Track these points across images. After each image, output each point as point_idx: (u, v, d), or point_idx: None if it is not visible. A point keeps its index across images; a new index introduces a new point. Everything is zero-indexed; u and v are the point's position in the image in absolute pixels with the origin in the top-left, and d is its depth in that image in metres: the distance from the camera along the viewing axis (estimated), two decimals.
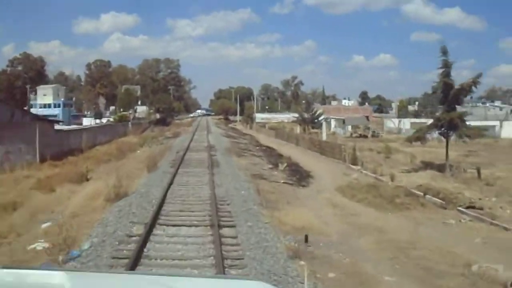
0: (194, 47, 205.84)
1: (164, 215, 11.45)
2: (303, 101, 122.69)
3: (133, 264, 7.70)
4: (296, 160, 30.12)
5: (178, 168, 19.88)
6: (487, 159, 31.38)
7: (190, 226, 10.48)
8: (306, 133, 55.40)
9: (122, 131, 54.28)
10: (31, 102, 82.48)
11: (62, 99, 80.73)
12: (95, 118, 73.87)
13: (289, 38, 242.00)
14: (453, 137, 27.12)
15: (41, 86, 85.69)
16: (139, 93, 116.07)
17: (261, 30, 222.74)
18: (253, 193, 15.20)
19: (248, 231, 10.21)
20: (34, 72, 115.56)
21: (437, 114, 29.42)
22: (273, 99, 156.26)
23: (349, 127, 60.41)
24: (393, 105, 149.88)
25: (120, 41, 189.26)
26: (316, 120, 62.95)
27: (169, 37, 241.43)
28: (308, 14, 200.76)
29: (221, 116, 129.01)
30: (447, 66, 26.43)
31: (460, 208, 17.21)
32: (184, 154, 26.39)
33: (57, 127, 32.85)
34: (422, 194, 19.19)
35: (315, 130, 60.66)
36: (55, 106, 77.75)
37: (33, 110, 77.58)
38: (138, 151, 35.76)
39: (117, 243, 9.31)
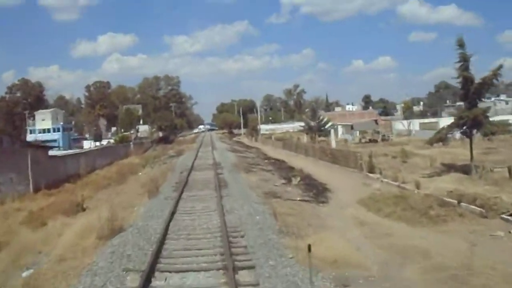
0: (192, 63, 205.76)
1: (165, 256, 9.38)
2: (306, 110, 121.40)
3: None
4: (309, 172, 28.07)
5: (182, 192, 17.74)
6: (509, 156, 29.48)
7: (198, 271, 8.41)
8: (314, 142, 53.53)
9: (123, 152, 52.54)
10: (30, 128, 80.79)
11: (61, 123, 78.96)
12: (95, 141, 71.99)
13: (287, 48, 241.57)
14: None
15: (39, 111, 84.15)
16: (140, 112, 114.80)
17: (258, 42, 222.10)
18: (269, 217, 13.11)
19: (272, 274, 8.14)
20: (33, 98, 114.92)
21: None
22: (276, 110, 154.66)
23: (357, 133, 58.30)
24: (398, 107, 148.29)
25: (119, 61, 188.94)
26: (322, 128, 60.90)
27: (167, 54, 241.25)
28: (304, 22, 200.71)
29: (225, 130, 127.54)
30: (465, 59, 24.43)
31: (504, 216, 15.08)
32: (189, 175, 24.30)
33: (51, 152, 30.93)
34: (456, 202, 16.99)
35: (323, 138, 58.76)
36: (54, 131, 76.10)
37: (32, 136, 76.53)
38: (140, 173, 33.95)
39: None
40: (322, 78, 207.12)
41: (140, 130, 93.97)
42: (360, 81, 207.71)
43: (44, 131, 76.69)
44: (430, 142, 26.05)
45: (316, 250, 9.79)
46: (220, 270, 8.37)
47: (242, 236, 10.71)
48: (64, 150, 58.06)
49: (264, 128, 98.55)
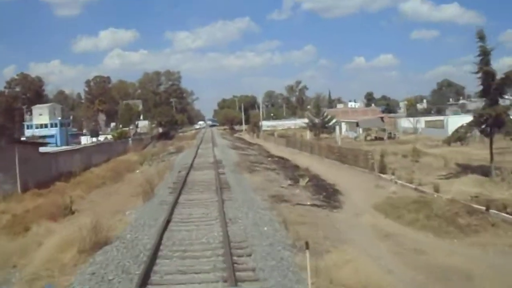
0: (194, 59, 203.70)
1: (154, 283, 7.59)
2: (308, 106, 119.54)
3: None
4: (316, 172, 26.35)
5: (179, 195, 15.87)
6: None
7: None
8: (319, 139, 51.82)
9: (121, 149, 50.72)
10: (27, 123, 78.76)
11: (59, 118, 76.91)
12: (92, 136, 69.99)
13: (289, 44, 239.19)
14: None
15: (37, 106, 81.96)
16: (140, 107, 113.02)
17: (260, 38, 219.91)
18: (279, 227, 11.33)
19: None
20: (32, 93, 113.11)
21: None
22: (277, 106, 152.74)
23: (361, 130, 56.47)
24: (401, 104, 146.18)
25: (120, 57, 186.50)
26: (327, 125, 59.19)
27: (169, 50, 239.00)
28: (306, 19, 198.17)
29: (226, 127, 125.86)
30: (485, 53, 22.62)
31: None
32: (187, 174, 22.43)
33: (43, 149, 29.11)
34: (484, 208, 15.22)
35: (326, 135, 57.06)
36: (52, 126, 74.02)
37: (29, 131, 74.66)
38: (137, 171, 32.29)
39: None
40: (323, 75, 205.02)
41: (139, 125, 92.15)
42: (362, 78, 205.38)
43: (41, 126, 74.64)
44: (448, 142, 24.17)
45: (341, 274, 8.07)
46: None
47: (249, 255, 8.87)
48: (62, 146, 56.31)
49: (265, 124, 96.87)
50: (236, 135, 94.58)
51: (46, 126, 74.32)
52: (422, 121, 65.94)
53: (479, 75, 23.22)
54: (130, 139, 62.77)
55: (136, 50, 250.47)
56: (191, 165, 27.23)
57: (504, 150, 30.53)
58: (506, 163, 24.40)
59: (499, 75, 22.17)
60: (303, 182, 21.34)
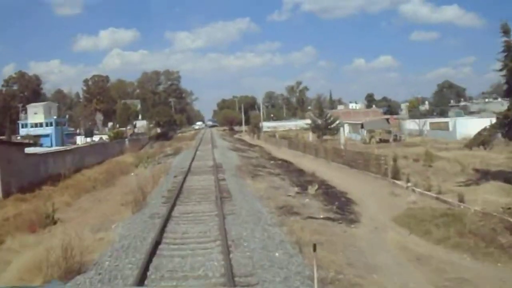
0: (194, 59, 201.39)
1: None
2: (309, 107, 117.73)
3: None
4: (323, 177, 24.33)
5: (173, 206, 13.83)
6: None
7: None
8: (322, 141, 49.90)
9: (117, 150, 48.75)
10: (22, 122, 76.57)
11: (55, 117, 74.65)
12: (86, 136, 67.73)
13: (289, 45, 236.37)
14: None
15: (31, 104, 79.71)
16: (139, 107, 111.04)
17: (260, 39, 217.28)
18: (292, 251, 9.29)
19: None
20: (30, 91, 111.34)
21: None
22: (278, 107, 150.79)
23: (364, 132, 54.44)
24: (403, 105, 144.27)
25: (120, 56, 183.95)
26: (330, 126, 57.25)
27: (168, 50, 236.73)
28: (306, 20, 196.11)
29: (225, 127, 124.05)
30: (510, 49, 20.80)
31: None
32: (184, 180, 20.34)
33: (30, 150, 27.11)
34: None
35: (329, 137, 55.14)
36: (47, 125, 71.83)
37: (24, 130, 72.49)
38: (132, 173, 30.38)
39: None
40: (323, 76, 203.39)
41: (137, 125, 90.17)
42: (362, 79, 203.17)
43: (36, 125, 72.45)
44: (470, 146, 22.13)
45: None
46: None
47: None
48: (57, 146, 54.29)
49: (266, 125, 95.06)
50: (236, 136, 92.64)
51: (41, 125, 72.18)
52: (427, 123, 64.03)
53: (503, 72, 21.51)
54: (127, 139, 60.82)
55: (136, 50, 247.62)
56: (189, 169, 25.18)
57: None
58: None
59: None
60: (312, 189, 19.30)
